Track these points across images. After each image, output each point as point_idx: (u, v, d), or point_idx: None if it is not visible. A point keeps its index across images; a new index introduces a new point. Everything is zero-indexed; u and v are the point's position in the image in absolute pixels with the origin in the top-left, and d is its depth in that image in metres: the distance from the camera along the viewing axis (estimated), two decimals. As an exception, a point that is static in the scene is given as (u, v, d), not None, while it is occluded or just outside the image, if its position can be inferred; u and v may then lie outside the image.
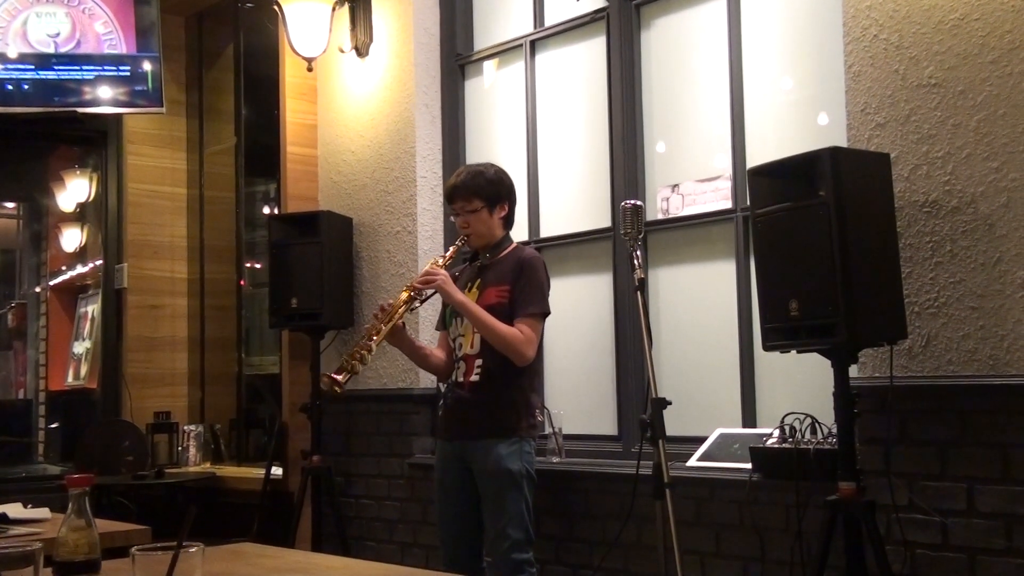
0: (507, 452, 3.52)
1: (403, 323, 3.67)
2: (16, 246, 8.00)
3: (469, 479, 3.60)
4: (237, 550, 2.57)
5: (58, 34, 5.70)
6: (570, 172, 4.46)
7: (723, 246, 3.88)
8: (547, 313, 3.63)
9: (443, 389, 3.87)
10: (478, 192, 3.64)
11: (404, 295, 3.64)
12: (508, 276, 3.61)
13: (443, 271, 3.63)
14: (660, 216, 4.07)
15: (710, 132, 3.95)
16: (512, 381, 3.58)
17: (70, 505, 1.80)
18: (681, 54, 4.08)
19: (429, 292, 3.67)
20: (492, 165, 3.81)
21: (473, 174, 3.68)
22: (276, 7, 4.92)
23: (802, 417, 3.27)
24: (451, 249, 3.74)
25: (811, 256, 2.82)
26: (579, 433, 4.23)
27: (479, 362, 3.59)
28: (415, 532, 4.67)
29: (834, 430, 3.05)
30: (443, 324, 3.81)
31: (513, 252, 3.70)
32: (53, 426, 7.19)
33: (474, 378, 3.59)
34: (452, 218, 3.79)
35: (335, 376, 3.54)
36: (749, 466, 3.39)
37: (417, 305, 3.73)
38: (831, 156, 2.82)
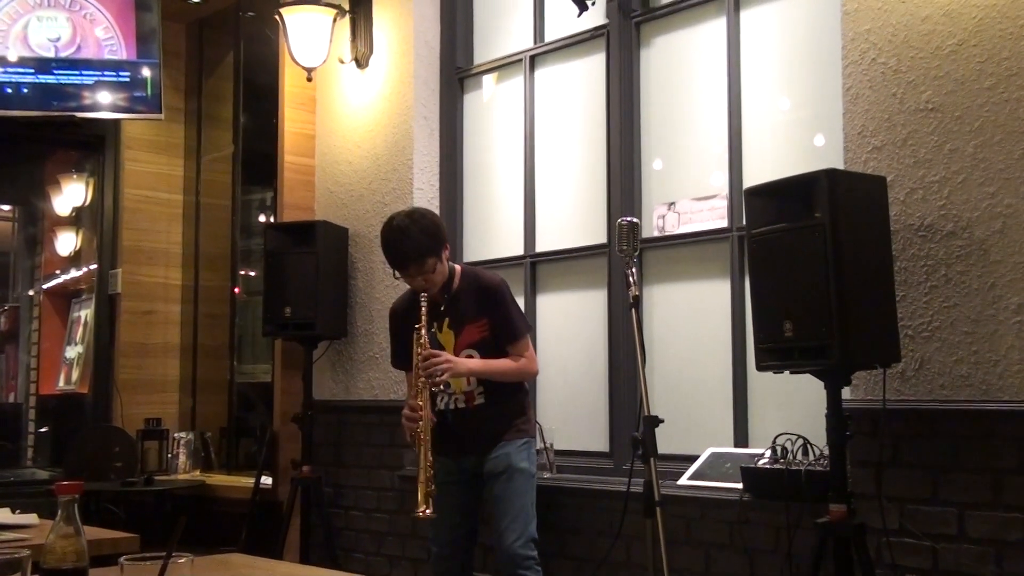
0: (517, 451, 3.61)
1: (433, 418, 3.57)
2: (11, 249, 7.98)
3: (472, 490, 3.66)
4: (225, 560, 2.57)
5: (59, 38, 5.70)
6: (567, 188, 4.46)
7: (718, 265, 3.88)
8: (531, 327, 3.73)
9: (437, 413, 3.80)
10: (428, 252, 3.52)
11: (423, 390, 3.50)
12: (478, 308, 3.62)
13: (443, 353, 3.52)
14: (656, 233, 4.07)
15: (707, 151, 3.96)
16: (515, 390, 3.69)
17: (59, 512, 1.79)
18: (680, 72, 4.09)
19: (443, 387, 3.60)
20: (416, 213, 3.65)
21: (413, 234, 3.51)
22: (277, 16, 4.93)
23: (794, 438, 3.27)
24: (423, 312, 3.53)
25: (806, 277, 2.83)
26: (570, 449, 4.22)
27: (480, 389, 3.65)
28: (403, 544, 4.66)
29: (826, 452, 3.05)
30: (409, 364, 3.62)
31: (467, 280, 3.66)
32: (43, 431, 7.16)
33: (479, 401, 3.65)
34: (398, 277, 3.63)
35: (426, 512, 3.42)
36: (740, 486, 3.38)
37: (434, 390, 3.58)
38: (828, 178, 2.83)
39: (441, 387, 3.61)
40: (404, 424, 3.55)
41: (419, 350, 3.53)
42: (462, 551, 3.72)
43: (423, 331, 3.53)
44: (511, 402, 3.67)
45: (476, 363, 3.59)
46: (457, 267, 3.74)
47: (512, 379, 3.65)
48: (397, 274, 3.63)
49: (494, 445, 3.62)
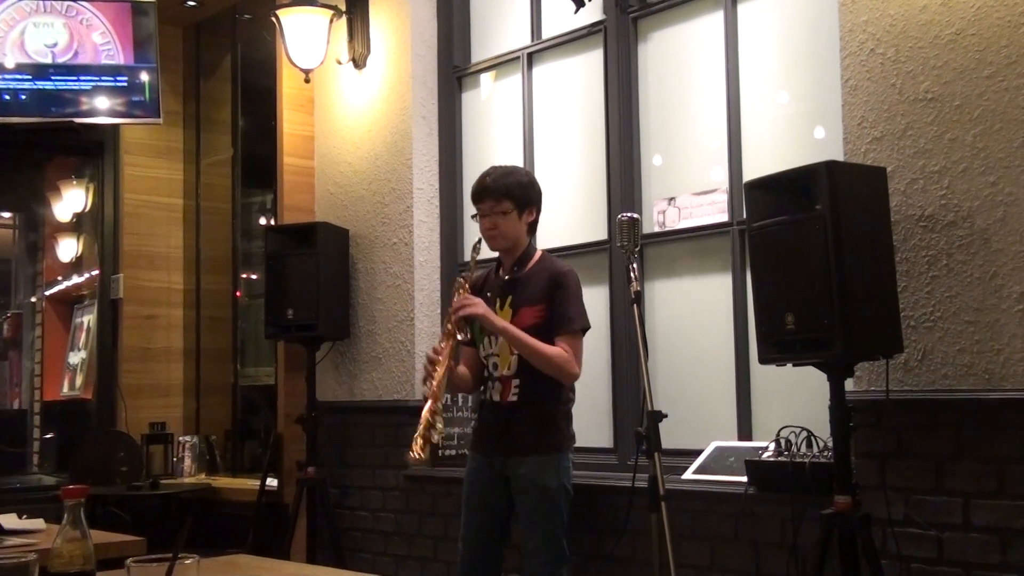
0: (547, 468, 3.48)
1: (453, 364, 3.54)
2: (12, 256, 7.99)
3: (502, 493, 3.57)
4: (232, 562, 2.57)
5: (56, 44, 5.70)
6: (567, 184, 4.46)
7: (719, 259, 3.88)
8: (587, 328, 3.56)
9: (478, 404, 3.78)
10: (509, 193, 3.52)
11: (448, 337, 3.49)
12: (542, 294, 3.52)
13: (478, 299, 3.50)
14: (656, 229, 4.07)
15: (707, 145, 3.96)
16: (550, 396, 3.53)
17: (65, 516, 1.79)
18: (678, 67, 4.09)
19: (470, 333, 3.54)
20: (523, 168, 3.71)
21: (505, 174, 3.57)
22: (274, 18, 4.93)
23: (798, 430, 3.27)
24: (472, 264, 3.59)
25: (807, 270, 2.83)
26: (574, 445, 4.22)
27: (516, 382, 3.52)
28: (410, 544, 4.66)
29: (830, 444, 3.05)
30: (471, 341, 3.67)
31: (542, 265, 3.60)
32: (48, 436, 7.17)
33: (512, 398, 3.53)
34: (474, 219, 3.63)
35: (419, 452, 3.38)
36: (745, 479, 3.38)
37: (462, 338, 3.53)
38: (827, 170, 2.83)
39: (462, 335, 3.52)
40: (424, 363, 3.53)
41: (456, 298, 3.53)
42: (490, 552, 3.63)
43: (467, 282, 3.55)
44: (544, 408, 3.52)
45: (512, 328, 3.46)
46: (540, 250, 3.70)
47: (545, 366, 3.45)
48: (474, 213, 3.61)
49: (520, 453, 3.51)
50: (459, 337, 3.52)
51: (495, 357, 3.58)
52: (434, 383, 3.42)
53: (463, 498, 3.70)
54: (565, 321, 3.49)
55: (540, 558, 3.45)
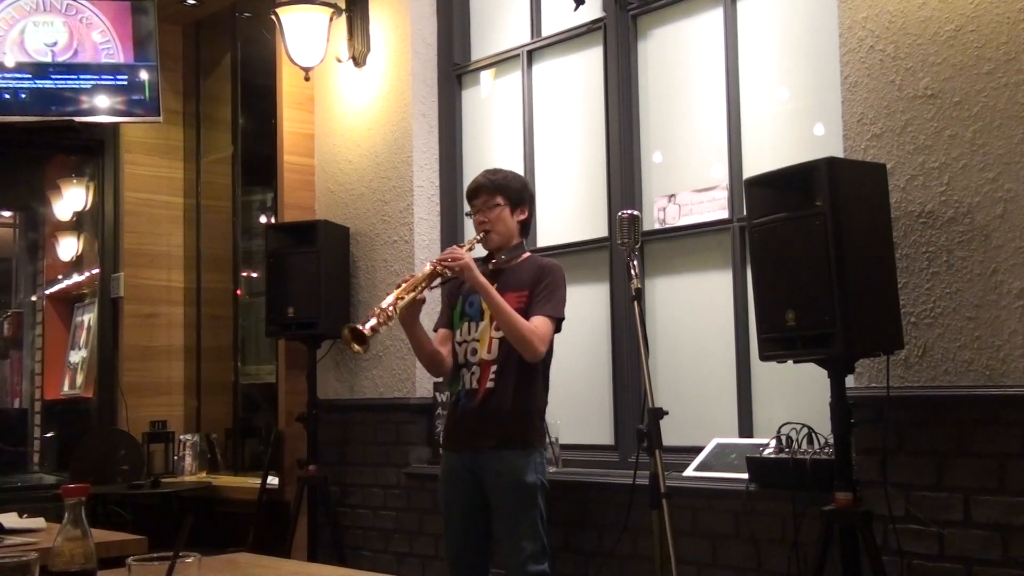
0: (522, 464, 3.46)
1: (424, 298, 3.54)
2: (12, 255, 8.00)
3: (478, 490, 3.54)
4: (233, 560, 2.57)
5: (55, 43, 5.70)
6: (567, 182, 4.46)
7: (720, 256, 3.88)
8: (562, 319, 3.55)
9: (449, 397, 3.78)
10: (502, 190, 3.60)
11: (428, 269, 3.51)
12: (528, 282, 3.54)
13: (467, 254, 3.51)
14: (657, 226, 4.07)
15: (707, 142, 3.96)
16: (526, 389, 3.51)
17: (66, 515, 1.79)
18: (678, 64, 4.09)
19: (450, 274, 3.51)
20: (517, 172, 3.81)
21: (498, 173, 3.67)
22: (274, 17, 4.93)
23: (799, 427, 3.27)
24: (470, 240, 3.66)
25: (808, 266, 2.83)
26: (576, 443, 4.23)
27: (495, 368, 3.51)
28: (411, 542, 4.67)
29: (831, 440, 3.06)
30: (448, 324, 3.70)
31: (530, 260, 3.65)
32: (49, 435, 7.17)
33: (489, 385, 3.51)
34: (469, 216, 3.70)
35: (359, 327, 3.35)
36: (746, 476, 3.39)
37: (437, 284, 3.58)
38: (827, 166, 2.83)
39: (440, 280, 3.54)
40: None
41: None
42: (477, 553, 3.61)
43: (460, 246, 3.58)
44: (520, 400, 3.49)
45: (490, 287, 3.47)
46: (528, 251, 3.74)
47: (513, 332, 3.43)
48: (468, 210, 3.69)
49: (493, 447, 3.49)
50: (434, 283, 3.52)
51: (475, 343, 3.57)
52: (405, 294, 3.42)
53: (441, 502, 3.68)
54: (543, 305, 3.51)
55: (524, 554, 3.44)
